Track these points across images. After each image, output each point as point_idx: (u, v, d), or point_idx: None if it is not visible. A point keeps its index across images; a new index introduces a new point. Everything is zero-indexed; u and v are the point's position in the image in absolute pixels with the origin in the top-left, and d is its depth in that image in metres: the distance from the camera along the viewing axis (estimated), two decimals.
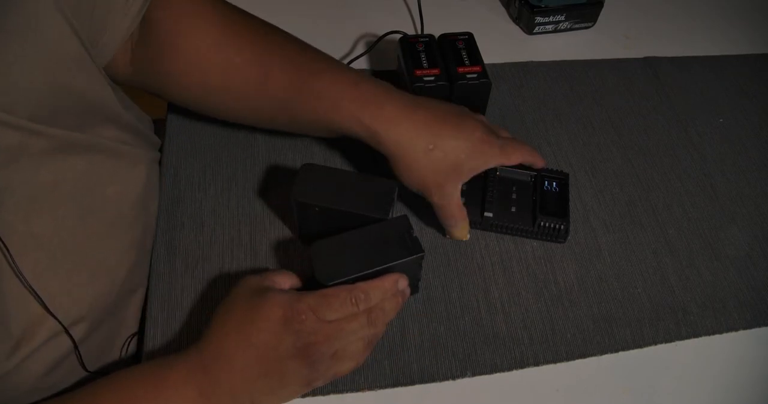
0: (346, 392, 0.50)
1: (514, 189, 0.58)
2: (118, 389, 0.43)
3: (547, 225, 0.56)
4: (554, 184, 0.58)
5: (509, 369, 0.52)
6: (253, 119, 0.59)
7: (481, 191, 0.58)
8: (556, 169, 0.60)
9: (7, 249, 0.41)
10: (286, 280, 0.48)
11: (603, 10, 0.79)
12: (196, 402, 0.43)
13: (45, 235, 0.45)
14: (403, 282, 0.47)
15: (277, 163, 0.64)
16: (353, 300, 0.44)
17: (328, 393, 0.50)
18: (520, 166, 0.57)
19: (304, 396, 0.49)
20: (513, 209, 0.58)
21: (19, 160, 0.42)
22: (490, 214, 0.57)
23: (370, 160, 0.64)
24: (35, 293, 0.43)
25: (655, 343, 0.54)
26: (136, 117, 0.57)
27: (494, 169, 0.58)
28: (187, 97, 0.58)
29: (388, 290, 0.46)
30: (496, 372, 0.52)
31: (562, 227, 0.56)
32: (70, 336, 0.46)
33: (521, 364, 0.52)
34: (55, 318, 0.45)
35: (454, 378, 0.51)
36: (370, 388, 0.50)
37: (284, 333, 0.43)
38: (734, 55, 0.79)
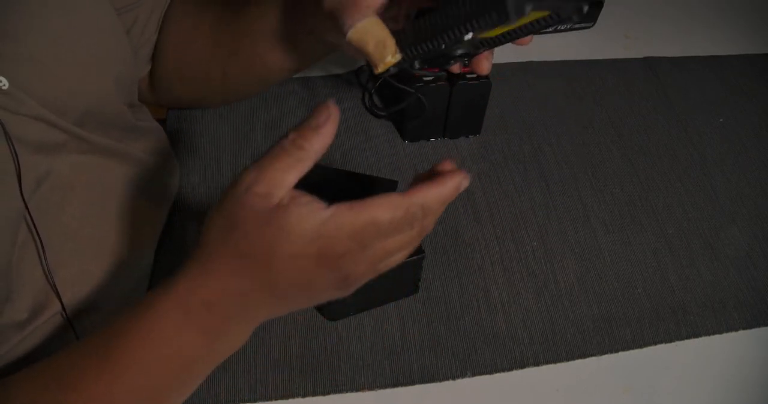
0: (346, 392, 0.50)
1: None
2: (94, 339, 0.38)
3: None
4: None
5: (509, 369, 0.52)
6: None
7: None
8: None
9: (36, 229, 0.42)
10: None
11: (603, 10, 0.79)
12: (201, 344, 0.37)
13: (72, 225, 0.47)
14: (465, 184, 0.36)
15: None
16: (409, 221, 0.34)
17: (328, 393, 0.50)
18: None
19: (304, 396, 0.49)
20: None
21: (61, 154, 0.45)
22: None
23: (372, 159, 0.64)
24: (49, 273, 0.44)
25: (655, 343, 0.54)
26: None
27: None
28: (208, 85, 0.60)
29: (448, 200, 0.36)
30: (496, 372, 0.52)
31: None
32: (69, 321, 0.46)
33: (521, 364, 0.52)
34: (60, 300, 0.45)
35: (454, 378, 0.51)
36: (370, 388, 0.50)
37: (319, 271, 0.35)
38: (734, 55, 0.79)
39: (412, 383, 0.51)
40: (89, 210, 0.48)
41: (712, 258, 0.60)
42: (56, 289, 0.44)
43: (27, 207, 0.42)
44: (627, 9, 0.84)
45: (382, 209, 0.34)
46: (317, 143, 0.36)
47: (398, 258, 0.37)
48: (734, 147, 0.69)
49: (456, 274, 0.57)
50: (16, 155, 0.40)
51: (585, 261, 0.59)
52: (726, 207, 0.64)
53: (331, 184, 0.52)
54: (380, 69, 0.41)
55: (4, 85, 0.40)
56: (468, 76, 0.62)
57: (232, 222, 0.35)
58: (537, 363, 0.52)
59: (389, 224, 0.34)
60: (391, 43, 0.40)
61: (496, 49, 0.42)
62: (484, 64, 0.43)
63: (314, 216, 0.34)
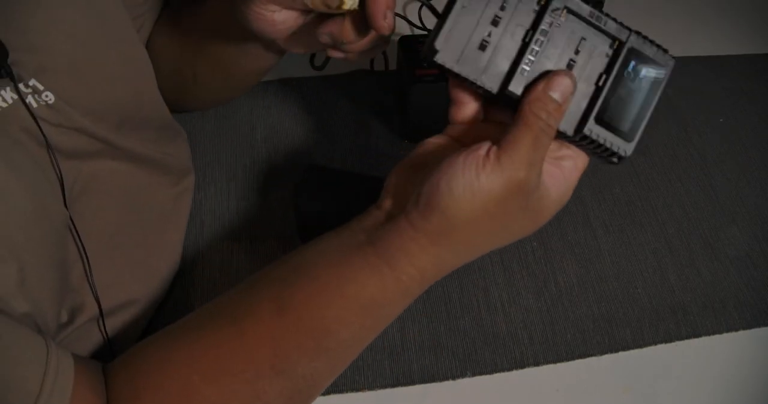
0: (346, 392, 0.50)
1: (576, 49, 0.35)
2: (306, 325, 0.37)
3: (596, 141, 0.35)
4: (643, 71, 0.36)
5: (509, 369, 0.52)
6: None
7: (522, 35, 0.35)
8: (662, 46, 0.38)
9: (77, 231, 0.43)
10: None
11: (603, 10, 0.79)
12: (401, 304, 0.39)
13: (107, 230, 0.47)
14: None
15: (277, 163, 0.64)
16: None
17: (328, 393, 0.50)
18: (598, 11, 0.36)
19: None
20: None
21: (96, 160, 0.46)
22: (518, 91, 0.35)
23: (373, 163, 0.64)
24: (91, 277, 0.44)
25: (655, 343, 0.54)
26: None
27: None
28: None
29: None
30: (496, 372, 0.52)
31: (619, 151, 0.36)
32: (104, 327, 0.47)
33: (521, 364, 0.52)
34: (98, 304, 0.45)
35: (454, 378, 0.51)
36: (370, 388, 0.50)
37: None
38: (734, 55, 0.79)
39: (412, 383, 0.51)
40: (123, 218, 0.49)
41: (712, 258, 0.60)
42: (96, 293, 0.45)
43: (70, 215, 0.42)
44: (627, 9, 0.84)
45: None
46: (560, 118, 0.36)
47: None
48: (734, 147, 0.69)
49: (456, 274, 0.57)
50: (59, 166, 0.41)
51: (585, 262, 0.59)
52: (726, 207, 0.64)
53: (333, 185, 0.52)
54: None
55: (51, 100, 0.41)
56: None
57: (498, 215, 0.35)
58: (537, 363, 0.53)
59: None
60: None
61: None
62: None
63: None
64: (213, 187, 0.62)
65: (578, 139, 0.36)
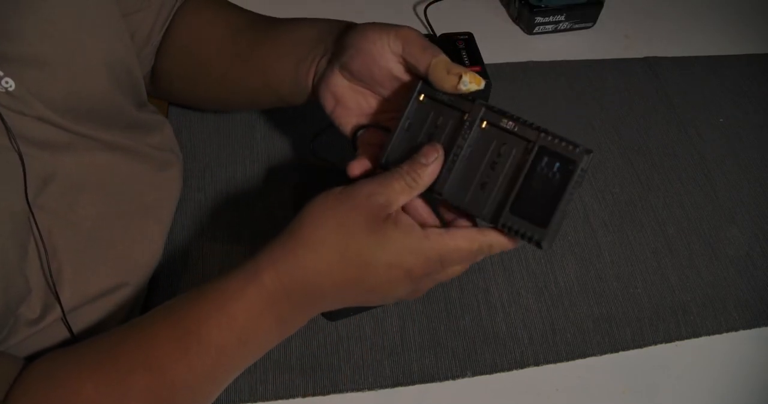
0: (346, 392, 0.50)
1: (498, 152, 0.41)
2: (179, 323, 0.40)
3: (514, 229, 0.39)
4: (556, 166, 0.39)
5: (509, 369, 0.52)
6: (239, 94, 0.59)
7: (448, 141, 0.42)
8: (572, 142, 0.40)
9: (38, 228, 0.43)
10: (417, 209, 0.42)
11: (603, 10, 0.79)
12: (274, 330, 0.41)
13: (84, 225, 0.47)
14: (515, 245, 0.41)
15: (277, 163, 0.64)
16: (476, 254, 0.40)
17: (328, 393, 0.50)
18: (518, 118, 0.41)
19: (304, 396, 0.49)
20: (481, 185, 0.41)
21: (67, 153, 0.45)
22: (439, 194, 0.41)
23: None
24: (50, 274, 0.44)
25: (655, 343, 0.54)
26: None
27: (476, 106, 0.42)
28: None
29: (507, 249, 0.41)
30: (496, 372, 0.52)
31: (534, 237, 0.38)
32: (67, 324, 0.46)
33: (521, 364, 0.52)
34: (59, 301, 0.45)
35: (454, 378, 0.51)
36: (370, 388, 0.50)
37: (405, 282, 0.40)
38: (734, 55, 0.79)
39: (412, 383, 0.51)
40: (102, 211, 0.48)
41: (712, 258, 0.60)
42: (55, 290, 0.44)
43: (30, 208, 0.41)
44: (627, 9, 0.84)
45: (466, 240, 0.39)
46: (426, 177, 0.41)
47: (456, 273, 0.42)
48: (734, 147, 0.69)
49: None
50: (22, 157, 0.40)
51: (585, 261, 0.59)
52: (726, 207, 0.64)
53: (332, 184, 0.52)
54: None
55: (11, 87, 0.40)
56: None
57: (343, 222, 0.38)
58: (537, 363, 0.53)
59: (467, 253, 0.39)
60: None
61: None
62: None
63: (416, 234, 0.39)
64: (213, 187, 0.62)
65: (498, 226, 0.40)
